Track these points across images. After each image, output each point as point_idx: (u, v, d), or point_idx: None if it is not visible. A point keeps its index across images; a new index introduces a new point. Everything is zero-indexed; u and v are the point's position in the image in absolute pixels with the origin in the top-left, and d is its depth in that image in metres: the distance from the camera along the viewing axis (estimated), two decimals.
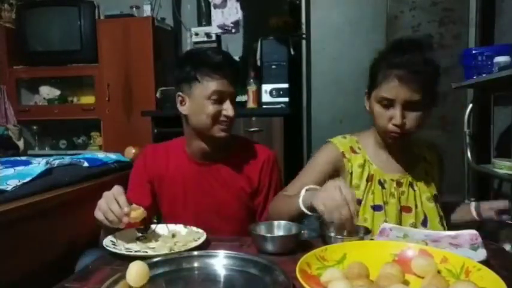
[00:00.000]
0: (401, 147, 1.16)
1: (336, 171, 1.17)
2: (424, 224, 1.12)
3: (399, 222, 1.11)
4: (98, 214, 0.98)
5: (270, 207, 1.21)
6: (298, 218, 1.03)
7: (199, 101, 1.18)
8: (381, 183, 1.14)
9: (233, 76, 1.19)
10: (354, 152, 1.18)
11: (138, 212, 0.99)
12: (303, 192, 1.01)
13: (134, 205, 1.01)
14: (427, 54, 1.06)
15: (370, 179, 1.15)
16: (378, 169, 1.15)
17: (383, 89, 1.06)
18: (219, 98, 1.17)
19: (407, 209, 1.13)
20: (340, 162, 1.16)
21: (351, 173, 1.16)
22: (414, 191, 1.15)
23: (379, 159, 1.17)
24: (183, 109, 1.23)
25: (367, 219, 1.11)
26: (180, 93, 1.22)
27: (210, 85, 1.16)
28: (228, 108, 1.18)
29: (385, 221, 1.09)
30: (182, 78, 1.21)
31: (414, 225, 1.11)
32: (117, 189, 0.99)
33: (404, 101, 1.03)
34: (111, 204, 0.96)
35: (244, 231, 1.17)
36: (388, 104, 1.06)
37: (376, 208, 1.12)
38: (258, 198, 1.29)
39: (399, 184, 1.15)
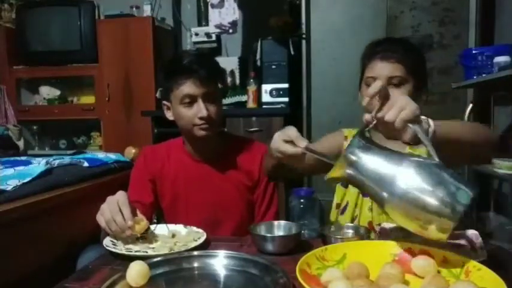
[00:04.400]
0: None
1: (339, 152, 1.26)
2: None
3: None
4: (101, 220, 0.98)
5: None
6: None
7: (176, 106, 1.21)
8: None
9: (206, 75, 1.18)
10: None
11: (141, 225, 0.99)
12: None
13: (138, 216, 1.02)
14: (410, 44, 1.19)
15: None
16: None
17: (368, 71, 1.15)
18: (191, 101, 1.19)
19: None
20: (341, 146, 1.25)
21: None
22: None
23: None
24: (169, 115, 1.28)
25: (357, 204, 1.19)
26: (164, 101, 1.27)
27: (181, 90, 1.18)
28: (200, 109, 1.18)
29: (370, 208, 1.16)
30: (163, 87, 1.27)
31: None
32: (122, 198, 0.99)
33: (386, 77, 1.10)
34: (116, 215, 0.96)
35: (244, 222, 1.26)
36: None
37: (364, 194, 1.18)
38: (257, 191, 1.32)
39: None
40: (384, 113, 0.75)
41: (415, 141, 0.76)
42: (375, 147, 0.78)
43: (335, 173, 0.78)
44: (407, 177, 0.71)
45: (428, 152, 0.74)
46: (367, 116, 0.77)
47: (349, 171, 0.77)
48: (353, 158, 0.76)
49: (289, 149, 0.87)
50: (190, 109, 1.19)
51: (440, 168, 0.72)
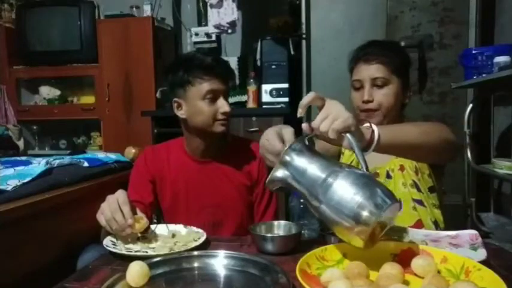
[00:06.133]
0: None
1: (337, 154, 1.30)
2: None
3: None
4: (101, 219, 0.99)
5: None
6: None
7: (195, 102, 1.22)
8: None
9: (223, 74, 1.24)
10: None
11: (141, 224, 1.00)
12: None
13: (138, 215, 1.03)
14: (395, 45, 1.25)
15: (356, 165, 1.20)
16: None
17: (353, 74, 1.22)
18: (213, 97, 1.21)
19: None
20: (337, 148, 1.27)
21: (343, 153, 1.29)
22: (390, 179, 1.17)
23: None
24: (180, 113, 1.27)
25: None
26: (175, 98, 1.26)
27: (203, 86, 1.20)
28: (223, 105, 1.22)
29: None
30: (175, 84, 1.25)
31: None
32: (122, 197, 0.99)
33: (370, 79, 1.16)
34: (116, 213, 0.96)
35: (245, 223, 1.27)
36: (359, 86, 1.19)
37: None
38: (256, 190, 1.33)
39: (375, 175, 1.17)
40: (317, 123, 0.78)
41: (353, 149, 0.78)
42: (309, 152, 0.80)
43: (274, 173, 0.81)
44: (332, 185, 0.73)
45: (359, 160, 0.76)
46: (303, 126, 0.81)
47: (284, 172, 0.80)
48: (287, 158, 0.80)
49: (277, 145, 0.86)
50: (212, 105, 1.22)
51: (366, 178, 0.74)
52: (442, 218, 1.16)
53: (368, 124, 0.84)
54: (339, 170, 0.75)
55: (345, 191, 0.72)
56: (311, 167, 0.78)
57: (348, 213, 0.71)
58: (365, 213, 0.70)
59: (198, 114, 1.22)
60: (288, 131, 0.89)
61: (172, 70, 1.26)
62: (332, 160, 0.82)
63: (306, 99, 0.80)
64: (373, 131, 0.83)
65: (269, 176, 0.82)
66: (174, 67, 1.26)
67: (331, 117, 0.77)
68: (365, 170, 0.76)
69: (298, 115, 0.81)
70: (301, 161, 0.79)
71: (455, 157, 1.19)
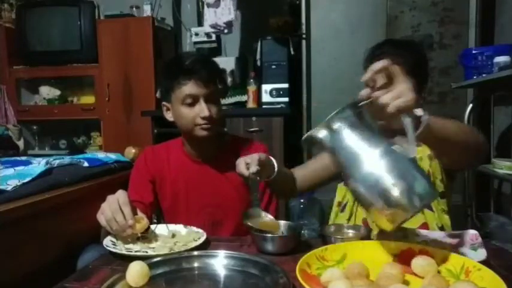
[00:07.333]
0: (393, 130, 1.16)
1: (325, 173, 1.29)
2: None
3: None
4: (101, 219, 0.99)
5: None
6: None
7: (177, 106, 1.22)
8: None
9: (207, 76, 1.20)
10: None
11: (142, 224, 1.00)
12: None
13: (138, 215, 1.03)
14: (411, 45, 1.21)
15: None
16: None
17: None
18: (193, 101, 1.20)
19: None
20: (329, 167, 1.26)
21: None
22: None
23: None
24: (169, 117, 1.28)
25: (355, 202, 1.19)
26: (164, 102, 1.28)
27: (182, 90, 1.19)
28: (202, 109, 1.19)
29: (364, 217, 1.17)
30: (164, 88, 1.27)
31: None
32: (122, 197, 0.99)
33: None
34: (116, 214, 0.96)
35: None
36: (372, 85, 1.13)
37: None
38: None
39: None
40: (380, 93, 0.73)
41: (401, 132, 0.75)
42: (360, 122, 0.76)
43: (316, 132, 0.77)
44: (375, 163, 0.71)
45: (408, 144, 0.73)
46: (363, 92, 0.76)
47: (328, 136, 0.76)
48: (335, 125, 0.75)
49: (241, 169, 1.00)
50: (192, 109, 1.20)
51: (413, 164, 0.73)
52: (449, 223, 1.16)
53: (418, 110, 0.79)
54: (387, 150, 0.72)
55: (388, 173, 0.70)
56: (357, 138, 0.74)
57: (387, 196, 0.69)
58: (407, 200, 0.69)
59: (180, 118, 1.22)
60: (255, 155, 1.01)
61: (163, 74, 1.29)
62: (379, 136, 0.76)
63: (380, 64, 0.73)
64: (420, 120, 0.78)
65: (307, 134, 0.77)
66: (164, 71, 1.28)
67: (397, 91, 0.72)
68: (414, 156, 0.73)
69: (365, 78, 0.75)
70: (347, 129, 0.74)
71: (478, 163, 1.19)
